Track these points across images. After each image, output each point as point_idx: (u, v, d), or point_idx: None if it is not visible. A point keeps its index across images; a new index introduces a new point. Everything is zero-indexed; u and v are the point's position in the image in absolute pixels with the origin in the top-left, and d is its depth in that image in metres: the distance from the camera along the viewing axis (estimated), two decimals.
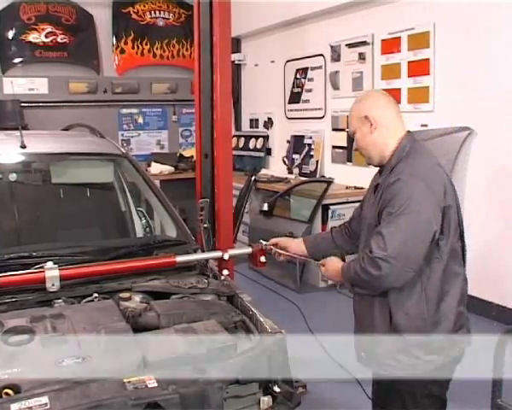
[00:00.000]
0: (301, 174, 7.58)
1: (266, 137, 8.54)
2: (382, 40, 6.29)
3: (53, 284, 2.44)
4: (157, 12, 9.25)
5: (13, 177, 3.53)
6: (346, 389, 3.95)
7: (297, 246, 2.84)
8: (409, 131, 2.48)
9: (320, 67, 7.36)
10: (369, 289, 2.37)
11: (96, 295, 2.48)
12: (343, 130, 6.89)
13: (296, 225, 6.30)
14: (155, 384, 1.84)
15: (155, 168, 8.11)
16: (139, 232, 3.62)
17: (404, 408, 2.44)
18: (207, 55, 3.81)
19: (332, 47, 7.06)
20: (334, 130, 7.16)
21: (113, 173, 3.79)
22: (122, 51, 8.97)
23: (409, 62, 5.94)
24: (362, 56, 6.59)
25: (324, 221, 6.31)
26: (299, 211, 6.54)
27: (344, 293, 5.96)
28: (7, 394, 1.79)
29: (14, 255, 2.67)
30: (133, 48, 9.03)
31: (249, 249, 2.91)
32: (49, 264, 2.49)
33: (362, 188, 6.36)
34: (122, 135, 8.97)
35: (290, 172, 7.82)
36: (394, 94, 5.90)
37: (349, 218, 2.87)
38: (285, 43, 7.99)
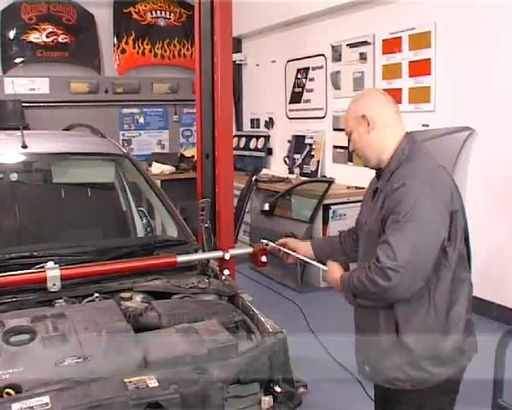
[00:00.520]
0: (302, 174, 7.58)
1: (267, 137, 8.54)
2: (383, 40, 6.29)
3: (54, 284, 2.44)
4: (158, 12, 9.25)
5: (14, 177, 3.53)
6: (348, 390, 3.94)
7: (305, 248, 2.74)
8: (408, 132, 2.37)
9: (321, 67, 7.36)
10: (376, 301, 2.25)
11: (96, 294, 2.48)
12: (344, 130, 6.86)
13: (297, 225, 6.30)
14: (156, 384, 1.84)
15: (156, 168, 8.11)
16: (140, 232, 3.62)
17: None
18: (208, 54, 3.80)
19: (333, 47, 7.06)
20: (335, 130, 7.16)
21: (114, 173, 3.79)
22: (123, 51, 8.98)
23: (410, 62, 5.94)
24: (363, 56, 6.59)
25: (325, 221, 6.32)
26: (300, 211, 6.54)
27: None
28: (8, 393, 1.79)
29: (15, 255, 2.67)
30: (134, 48, 9.04)
31: (250, 249, 2.90)
32: (50, 264, 2.49)
33: (363, 188, 6.35)
34: (123, 135, 8.98)
35: (291, 172, 7.82)
36: (395, 94, 5.98)
37: (355, 222, 2.70)
38: (286, 43, 7.99)
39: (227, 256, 2.77)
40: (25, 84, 8.19)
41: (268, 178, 7.47)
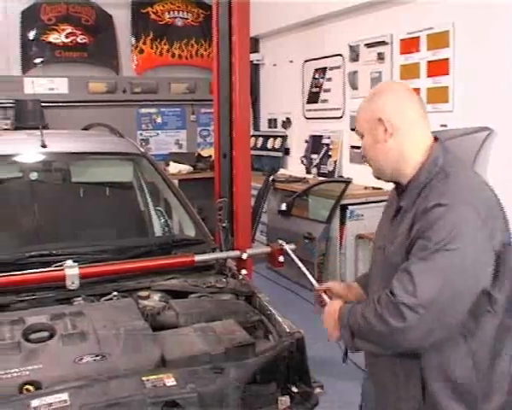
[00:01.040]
0: (319, 174, 7.55)
1: (284, 137, 8.53)
2: (401, 40, 6.25)
3: (73, 282, 2.46)
4: (175, 12, 9.27)
5: (33, 176, 3.57)
6: None
7: (354, 292, 2.25)
8: (437, 138, 1.93)
9: (338, 67, 7.33)
10: (380, 346, 1.82)
11: (115, 293, 2.50)
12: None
13: (314, 225, 6.29)
14: (174, 383, 1.85)
15: (174, 168, 8.12)
16: (157, 232, 3.63)
17: None
18: (226, 55, 3.81)
19: (351, 47, 7.02)
20: (352, 130, 7.12)
21: (132, 173, 3.81)
22: (141, 51, 9.01)
23: (428, 62, 5.90)
24: (381, 56, 6.55)
25: (342, 222, 6.29)
26: (318, 211, 6.52)
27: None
28: (28, 390, 1.81)
29: (34, 254, 2.69)
30: (152, 48, 9.07)
31: (268, 249, 2.90)
32: (69, 262, 2.51)
33: (380, 189, 6.32)
34: (141, 134, 9.00)
35: (308, 172, 7.80)
36: None
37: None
38: (303, 42, 7.97)
39: (244, 256, 2.77)
40: (44, 84, 8.24)
41: (285, 178, 7.46)
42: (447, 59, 5.66)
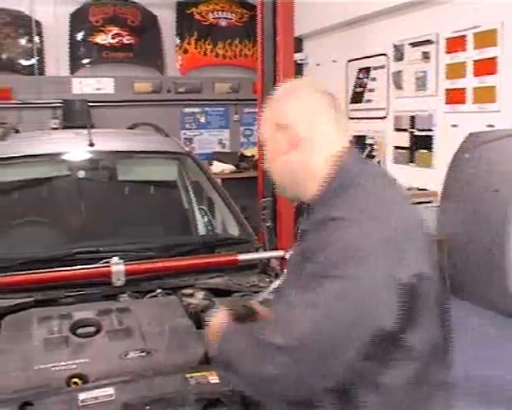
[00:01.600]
0: None
1: None
2: (447, 39, 6.15)
3: (118, 279, 2.48)
4: (220, 12, 9.33)
5: (81, 174, 3.63)
6: None
7: None
8: (352, 145, 1.57)
9: (383, 67, 7.26)
10: (251, 390, 1.51)
11: (159, 290, 2.52)
12: (406, 130, 6.80)
13: None
14: (217, 380, 1.86)
15: (217, 167, 8.18)
16: (201, 230, 3.65)
17: None
18: (270, 54, 3.83)
19: (395, 46, 6.95)
20: (396, 130, 7.05)
21: (176, 172, 3.84)
22: (185, 51, 9.10)
23: (474, 61, 5.79)
24: (426, 55, 6.46)
25: None
26: None
27: None
28: (75, 383, 1.85)
29: (81, 250, 2.73)
30: (196, 48, 9.15)
31: None
32: (115, 259, 2.53)
33: (424, 189, 6.26)
34: (184, 134, 9.07)
35: None
36: (459, 94, 5.88)
37: None
38: (347, 42, 7.92)
39: (288, 256, 2.75)
40: (91, 84, 8.43)
41: None
42: (495, 58, 5.54)
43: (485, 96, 5.66)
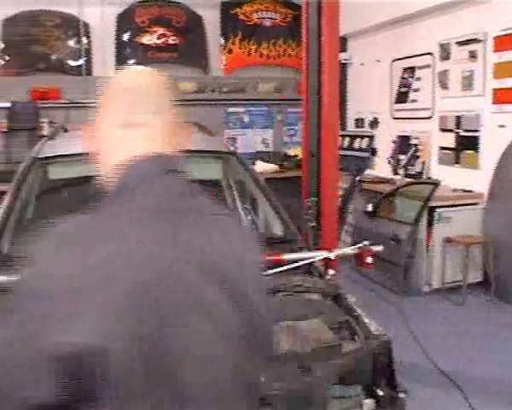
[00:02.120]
0: (407, 175, 7.42)
1: (371, 137, 8.43)
2: (495, 37, 6.03)
3: None
4: (264, 12, 9.35)
5: None
6: (449, 398, 3.84)
7: None
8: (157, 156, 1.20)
9: (428, 66, 7.16)
10: None
11: None
12: (451, 131, 6.70)
13: (401, 227, 6.18)
14: (262, 380, 1.87)
15: (260, 167, 8.19)
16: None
17: None
18: (315, 54, 3.81)
19: (441, 45, 6.85)
20: (442, 130, 6.95)
21: (221, 171, 3.86)
22: (230, 51, 9.16)
23: None
24: (473, 54, 6.35)
25: (430, 224, 6.15)
26: (404, 213, 6.40)
27: (450, 299, 5.81)
28: None
29: None
30: (240, 48, 9.19)
31: (355, 250, 2.86)
32: None
33: (470, 191, 6.16)
34: (228, 133, 9.10)
35: (395, 172, 7.67)
36: (507, 93, 5.75)
37: None
38: (392, 41, 7.84)
39: (332, 256, 2.74)
40: None
41: (371, 178, 7.37)
42: None
43: None
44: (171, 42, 8.85)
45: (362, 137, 8.56)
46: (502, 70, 5.94)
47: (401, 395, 2.16)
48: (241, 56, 9.21)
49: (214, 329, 1.06)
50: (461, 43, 6.53)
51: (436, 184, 6.22)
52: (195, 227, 1.15)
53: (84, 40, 8.41)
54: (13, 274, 2.08)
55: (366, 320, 2.33)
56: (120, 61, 8.63)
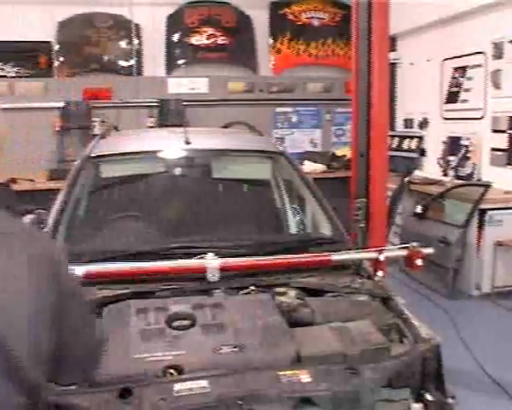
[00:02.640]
0: (457, 177, 7.29)
1: (421, 138, 8.31)
2: None
3: (213, 275, 2.51)
4: (312, 12, 9.32)
5: (177, 171, 3.74)
6: (499, 405, 3.75)
7: None
8: None
9: (480, 66, 7.02)
10: None
11: (252, 287, 2.54)
12: (504, 131, 6.55)
13: (450, 229, 6.09)
14: (309, 380, 1.86)
15: (308, 167, 8.18)
16: (292, 229, 3.66)
17: None
18: (365, 54, 3.79)
19: (494, 44, 6.70)
20: (494, 131, 6.80)
21: (270, 170, 3.87)
22: (278, 51, 9.17)
23: None
24: None
25: (480, 227, 6.04)
26: (454, 215, 6.30)
27: (500, 304, 5.68)
28: (171, 374, 1.91)
29: (177, 245, 2.79)
30: (289, 48, 9.19)
31: (405, 251, 2.82)
32: (210, 255, 2.57)
33: None
34: (276, 133, 9.10)
35: (445, 174, 7.55)
36: None
37: None
38: (442, 40, 7.72)
39: (382, 257, 2.71)
40: (186, 84, 8.64)
41: (420, 179, 7.27)
42: None
43: None
44: (220, 42, 8.91)
45: (411, 137, 8.45)
46: None
47: (450, 401, 2.12)
48: (290, 56, 9.20)
49: None
50: None
51: (487, 186, 6.10)
52: None
53: (136, 41, 8.55)
54: None
55: (416, 323, 2.30)
56: (170, 61, 8.76)
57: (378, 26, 3.74)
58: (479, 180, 6.86)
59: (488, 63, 6.85)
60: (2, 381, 1.11)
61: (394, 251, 2.96)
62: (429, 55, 8.05)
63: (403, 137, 8.58)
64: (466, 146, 7.28)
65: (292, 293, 2.50)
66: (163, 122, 8.09)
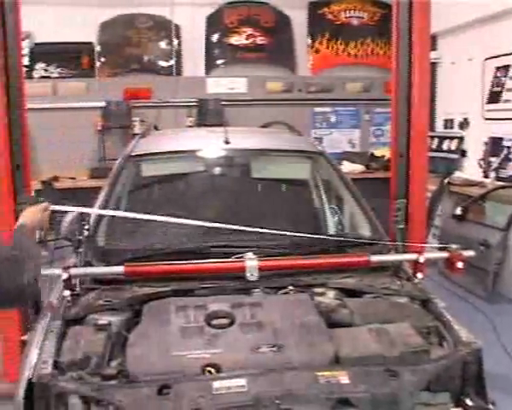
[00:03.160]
0: (498, 179, 7.16)
1: (461, 139, 8.18)
2: None
3: (252, 274, 2.52)
4: (352, 11, 9.27)
5: (217, 170, 3.77)
6: None
7: None
8: None
9: None
10: None
11: (291, 287, 2.55)
12: None
13: (491, 231, 5.98)
14: (347, 381, 1.86)
15: (347, 167, 8.13)
16: (331, 230, 3.64)
17: None
18: (405, 54, 3.77)
19: None
20: None
21: (309, 170, 3.86)
22: (317, 51, 9.14)
23: None
24: None
25: None
26: (495, 217, 6.18)
27: None
28: (209, 372, 1.93)
29: (217, 244, 2.82)
30: (328, 48, 9.15)
31: (446, 254, 2.78)
32: (249, 254, 2.58)
33: None
34: (315, 133, 9.06)
35: (486, 175, 7.42)
36: None
37: None
38: (484, 39, 7.58)
39: (421, 259, 2.67)
40: (225, 84, 8.68)
41: (461, 181, 7.17)
42: None
43: None
44: (259, 42, 8.94)
45: (451, 138, 8.33)
46: None
47: (490, 407, 2.09)
48: (329, 56, 9.16)
49: None
50: None
51: None
52: None
53: (175, 41, 8.62)
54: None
55: (456, 326, 2.27)
56: (209, 61, 8.81)
57: (419, 26, 3.71)
58: None
59: None
60: None
61: (434, 253, 2.92)
62: (470, 55, 7.92)
63: (443, 138, 8.46)
64: (508, 147, 7.15)
65: (330, 293, 2.50)
66: (202, 122, 8.16)
